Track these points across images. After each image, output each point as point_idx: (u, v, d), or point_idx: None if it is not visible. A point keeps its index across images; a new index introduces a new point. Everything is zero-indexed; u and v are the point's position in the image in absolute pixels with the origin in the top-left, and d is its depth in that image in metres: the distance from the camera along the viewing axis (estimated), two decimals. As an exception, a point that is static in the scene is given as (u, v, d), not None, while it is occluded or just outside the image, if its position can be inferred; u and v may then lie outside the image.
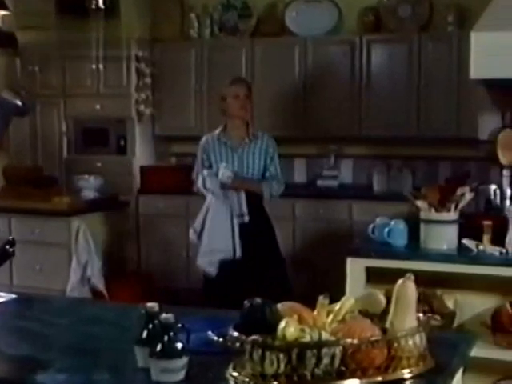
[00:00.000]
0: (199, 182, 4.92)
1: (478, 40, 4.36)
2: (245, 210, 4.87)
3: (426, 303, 3.89)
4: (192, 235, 4.94)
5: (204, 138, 5.04)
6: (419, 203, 3.99)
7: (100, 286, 5.79)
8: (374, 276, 3.83)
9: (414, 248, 3.97)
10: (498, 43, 4.34)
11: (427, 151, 6.53)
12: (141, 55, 6.62)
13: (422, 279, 3.85)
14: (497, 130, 5.11)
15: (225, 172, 4.82)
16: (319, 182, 6.66)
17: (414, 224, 4.03)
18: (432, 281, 3.96)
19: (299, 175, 6.85)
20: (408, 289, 2.15)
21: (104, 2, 6.02)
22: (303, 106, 6.41)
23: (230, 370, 2.03)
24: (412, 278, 2.17)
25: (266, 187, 4.94)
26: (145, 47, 6.72)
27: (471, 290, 4.04)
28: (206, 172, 4.90)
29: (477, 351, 3.78)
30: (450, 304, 3.96)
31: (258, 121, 6.24)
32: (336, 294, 2.28)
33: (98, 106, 6.72)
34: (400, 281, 2.16)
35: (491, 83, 4.82)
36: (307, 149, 6.73)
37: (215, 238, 4.83)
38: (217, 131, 5.01)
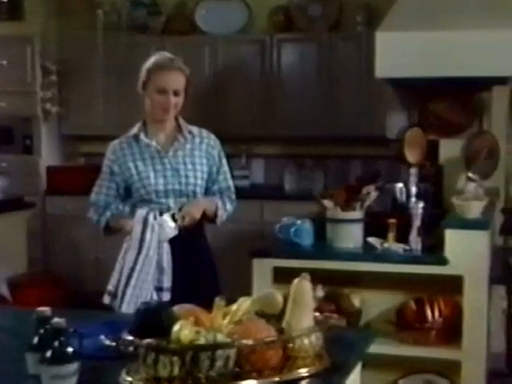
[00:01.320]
0: (102, 219, 3.54)
1: (382, 40, 4.42)
2: (167, 284, 3.42)
3: (332, 302, 3.92)
4: (107, 300, 3.52)
5: (112, 146, 3.56)
6: (326, 202, 4.01)
7: (2, 290, 5.62)
8: (282, 276, 3.83)
9: (321, 247, 4.00)
10: (402, 43, 4.41)
11: (338, 150, 6.58)
12: (46, 52, 6.47)
13: (328, 278, 3.93)
14: (404, 129, 5.19)
15: (167, 225, 3.39)
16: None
17: (321, 223, 4.05)
18: (338, 280, 4.00)
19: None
20: (304, 288, 2.13)
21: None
22: (213, 105, 6.37)
23: (124, 374, 1.99)
24: (308, 277, 2.16)
25: (222, 209, 3.62)
26: (50, 44, 6.57)
27: (377, 287, 4.10)
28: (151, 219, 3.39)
29: (383, 348, 3.88)
30: (356, 302, 4.00)
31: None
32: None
33: (2, 104, 6.54)
34: (296, 280, 2.15)
35: (396, 82, 4.89)
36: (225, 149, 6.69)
37: (142, 290, 3.39)
38: (133, 131, 3.56)
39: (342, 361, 2.18)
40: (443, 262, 3.81)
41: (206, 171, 3.55)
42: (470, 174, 4.27)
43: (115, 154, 3.54)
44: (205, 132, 3.62)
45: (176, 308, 2.14)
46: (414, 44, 4.38)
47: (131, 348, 1.95)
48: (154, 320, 2.02)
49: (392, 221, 3.99)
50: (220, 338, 1.95)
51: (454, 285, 3.85)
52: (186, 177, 3.48)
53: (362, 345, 2.37)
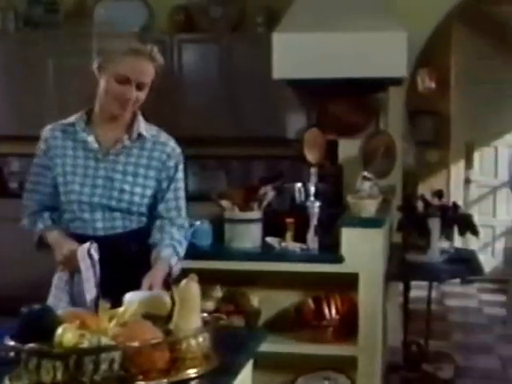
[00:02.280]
0: (35, 232, 2.89)
1: (279, 41, 4.46)
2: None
3: (231, 302, 3.94)
4: None
5: (44, 133, 2.88)
6: (223, 203, 4.03)
7: None
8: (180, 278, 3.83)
9: (219, 248, 4.01)
10: (299, 44, 4.46)
11: (241, 151, 6.60)
12: None
13: (227, 278, 3.94)
14: (303, 130, 5.25)
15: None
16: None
17: (220, 224, 4.06)
18: (237, 280, 4.01)
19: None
20: (191, 290, 2.13)
21: None
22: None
23: (6, 381, 1.95)
24: (195, 278, 2.16)
25: (175, 263, 2.82)
26: None
27: (276, 287, 4.13)
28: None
29: (281, 347, 3.93)
30: (255, 302, 4.02)
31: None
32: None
33: None
34: (183, 282, 2.14)
35: (295, 83, 4.94)
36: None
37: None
38: (71, 118, 2.86)
39: (231, 361, 2.19)
40: (339, 260, 3.87)
41: (151, 187, 2.80)
42: (365, 173, 4.35)
43: (47, 142, 2.84)
44: (163, 136, 2.87)
45: (60, 311, 2.11)
46: (310, 45, 4.44)
47: (13, 353, 1.92)
48: (36, 324, 1.99)
49: (290, 220, 4.03)
50: (104, 340, 1.93)
51: (350, 282, 3.91)
52: (121, 191, 2.76)
53: (253, 344, 2.39)
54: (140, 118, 2.84)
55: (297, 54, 4.43)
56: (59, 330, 1.92)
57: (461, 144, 7.60)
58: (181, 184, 2.88)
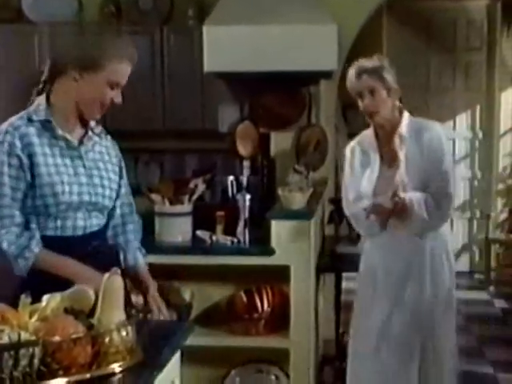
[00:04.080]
0: (28, 257, 2.55)
1: (209, 34, 4.45)
2: None
3: (161, 297, 3.90)
4: None
5: (15, 126, 2.56)
6: (153, 196, 4.00)
7: None
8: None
9: (149, 242, 3.95)
10: (230, 37, 4.45)
11: (174, 144, 6.54)
12: None
13: (158, 273, 3.90)
14: (236, 123, 5.25)
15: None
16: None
17: (151, 218, 4.02)
18: (168, 274, 3.97)
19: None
20: (114, 283, 2.10)
21: None
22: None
23: None
24: (118, 271, 2.12)
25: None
26: None
27: (207, 280, 4.12)
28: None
29: (214, 340, 3.92)
30: (186, 296, 4.00)
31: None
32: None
33: None
34: (106, 275, 2.10)
35: (226, 76, 4.93)
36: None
37: None
38: (39, 114, 2.60)
39: (157, 354, 2.17)
40: (270, 252, 3.88)
41: (116, 181, 2.75)
42: (296, 166, 4.38)
43: (23, 139, 2.55)
44: (104, 134, 2.80)
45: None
46: (240, 38, 4.43)
47: None
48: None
49: (220, 213, 4.03)
50: (25, 336, 1.89)
51: (282, 275, 3.93)
52: (102, 186, 2.67)
53: (179, 337, 2.36)
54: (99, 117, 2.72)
55: (228, 46, 4.42)
56: (-22, 326, 1.87)
57: (392, 136, 7.70)
58: (126, 179, 2.86)
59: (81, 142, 2.66)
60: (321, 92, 5.30)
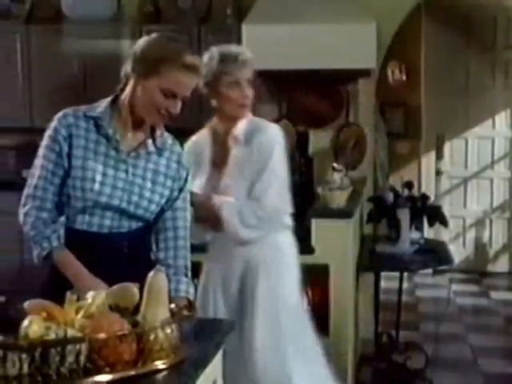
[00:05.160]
0: (44, 246, 2.55)
1: (248, 32, 4.45)
2: None
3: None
4: None
5: (64, 116, 2.60)
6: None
7: None
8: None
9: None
10: (269, 36, 4.44)
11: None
12: None
13: (192, 271, 3.90)
14: (274, 121, 5.22)
15: None
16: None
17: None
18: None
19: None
20: (159, 281, 2.11)
21: None
22: (83, 97, 6.22)
23: (-29, 374, 1.91)
24: (162, 269, 2.13)
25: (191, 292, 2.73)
26: None
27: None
28: None
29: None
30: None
31: (35, 111, 6.03)
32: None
33: None
34: (151, 273, 2.11)
35: (264, 74, 4.91)
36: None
37: None
38: (96, 109, 2.61)
39: (200, 352, 2.17)
40: (309, 251, 3.87)
41: (166, 196, 2.66)
42: (335, 165, 4.35)
43: (69, 128, 2.58)
44: (177, 145, 2.73)
45: (26, 303, 2.08)
46: (279, 36, 4.44)
47: (-22, 346, 1.88)
48: (2, 316, 1.96)
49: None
50: (71, 333, 1.91)
51: (321, 273, 3.91)
52: (140, 196, 2.60)
53: (221, 335, 2.37)
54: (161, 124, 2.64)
55: (266, 45, 4.42)
56: (25, 322, 1.89)
57: (431, 135, 7.63)
58: (188, 194, 2.74)
59: (134, 148, 2.61)
60: (359, 90, 5.28)
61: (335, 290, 3.90)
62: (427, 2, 5.70)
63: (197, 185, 3.19)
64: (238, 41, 5.78)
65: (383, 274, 4.74)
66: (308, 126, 5.25)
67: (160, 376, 2.01)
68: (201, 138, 3.32)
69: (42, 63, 6.20)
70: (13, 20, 6.25)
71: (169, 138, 2.68)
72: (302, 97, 5.19)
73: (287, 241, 3.33)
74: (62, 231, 2.55)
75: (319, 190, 4.09)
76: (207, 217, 3.15)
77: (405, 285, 5.11)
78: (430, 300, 6.86)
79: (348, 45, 4.43)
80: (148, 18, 6.10)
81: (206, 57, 3.16)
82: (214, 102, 3.22)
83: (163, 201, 2.65)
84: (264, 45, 4.44)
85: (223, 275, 3.27)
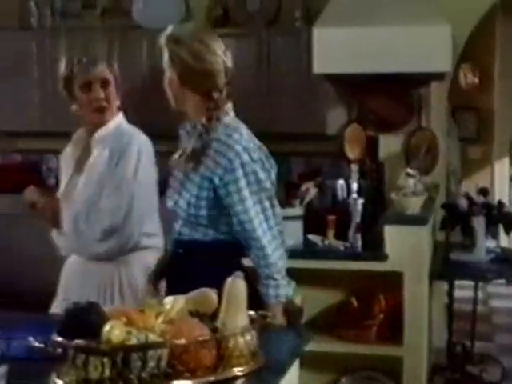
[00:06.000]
0: None
1: (319, 35, 4.39)
2: None
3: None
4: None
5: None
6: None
7: None
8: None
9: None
10: (339, 39, 4.39)
11: (279, 147, 6.50)
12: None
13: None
14: (344, 125, 5.18)
15: None
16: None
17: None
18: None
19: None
20: (238, 287, 2.08)
21: None
22: (151, 102, 6.25)
23: (54, 377, 1.92)
24: (241, 275, 2.10)
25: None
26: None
27: (318, 285, 4.06)
28: None
29: (324, 346, 3.86)
30: (297, 300, 3.94)
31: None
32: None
33: None
34: (230, 279, 2.09)
35: (335, 78, 4.87)
36: (159, 146, 6.55)
37: None
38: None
39: (278, 360, 2.14)
40: (383, 258, 3.81)
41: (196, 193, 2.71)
42: (409, 170, 4.27)
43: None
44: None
45: (107, 307, 2.07)
46: (351, 39, 4.37)
47: (60, 349, 1.88)
48: (83, 320, 1.95)
49: (331, 217, 3.97)
50: (152, 338, 1.90)
51: (394, 281, 3.84)
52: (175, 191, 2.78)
53: (299, 343, 2.34)
54: None
55: (338, 48, 4.36)
56: (107, 327, 1.88)
57: (504, 140, 7.46)
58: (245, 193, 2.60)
59: None
60: (431, 94, 5.17)
61: (409, 299, 3.82)
62: (503, 3, 5.55)
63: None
64: (307, 43, 5.76)
65: (456, 282, 4.62)
66: (378, 130, 5.17)
67: (239, 382, 1.99)
68: (77, 139, 3.19)
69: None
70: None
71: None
72: (373, 101, 5.10)
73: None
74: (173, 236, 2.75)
75: (393, 195, 4.01)
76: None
77: (478, 294, 4.98)
78: (504, 311, 6.69)
79: (422, 47, 4.33)
80: (216, 21, 6.10)
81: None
82: (74, 108, 3.07)
83: (189, 194, 2.67)
84: (335, 48, 4.38)
85: None
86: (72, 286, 3.13)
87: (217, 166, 2.59)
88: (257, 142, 2.75)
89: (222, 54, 2.69)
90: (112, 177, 2.99)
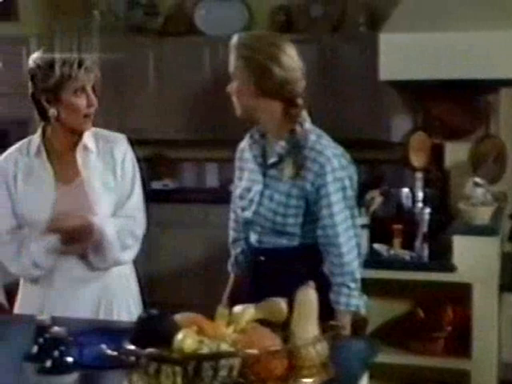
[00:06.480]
0: None
1: (386, 41, 4.33)
2: None
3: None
4: None
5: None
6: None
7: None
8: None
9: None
10: (406, 45, 4.32)
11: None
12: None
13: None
14: (409, 133, 5.10)
15: None
16: (232, 187, 6.49)
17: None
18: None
19: (211, 180, 6.68)
20: (309, 296, 2.04)
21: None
22: (213, 108, 6.26)
23: (126, 385, 1.90)
24: (313, 285, 2.06)
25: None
26: (45, 45, 6.44)
27: (384, 295, 3.99)
28: None
29: (390, 358, 3.79)
30: (362, 311, 3.89)
31: (167, 123, 6.11)
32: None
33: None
34: (301, 288, 2.05)
35: (401, 85, 4.79)
36: (218, 152, 6.57)
37: None
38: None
39: (348, 371, 2.11)
40: (451, 268, 3.72)
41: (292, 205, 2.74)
42: (477, 179, 4.17)
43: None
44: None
45: (178, 316, 2.06)
46: (418, 46, 4.29)
47: (132, 358, 1.87)
48: (155, 329, 1.94)
49: (397, 227, 3.90)
50: (224, 347, 1.87)
51: (462, 292, 3.76)
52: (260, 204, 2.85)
53: (369, 354, 2.30)
54: None
55: (405, 54, 4.28)
56: (179, 336, 1.87)
57: None
58: (333, 199, 2.61)
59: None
60: (500, 101, 5.05)
61: (478, 311, 3.72)
62: None
63: (32, 207, 2.77)
64: (371, 49, 5.68)
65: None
66: (444, 137, 5.07)
67: (310, 393, 1.94)
68: (28, 146, 2.85)
69: (174, 76, 6.29)
70: (146, 34, 6.38)
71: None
72: (439, 107, 5.01)
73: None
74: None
75: (461, 205, 3.92)
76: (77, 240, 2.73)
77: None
78: None
79: (491, 53, 4.23)
80: (279, 27, 6.08)
81: (41, 61, 2.83)
82: (52, 112, 2.77)
83: (283, 207, 2.71)
84: (401, 54, 4.31)
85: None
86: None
87: (308, 172, 2.59)
88: (340, 147, 2.70)
89: (297, 58, 2.65)
90: (126, 181, 2.90)
